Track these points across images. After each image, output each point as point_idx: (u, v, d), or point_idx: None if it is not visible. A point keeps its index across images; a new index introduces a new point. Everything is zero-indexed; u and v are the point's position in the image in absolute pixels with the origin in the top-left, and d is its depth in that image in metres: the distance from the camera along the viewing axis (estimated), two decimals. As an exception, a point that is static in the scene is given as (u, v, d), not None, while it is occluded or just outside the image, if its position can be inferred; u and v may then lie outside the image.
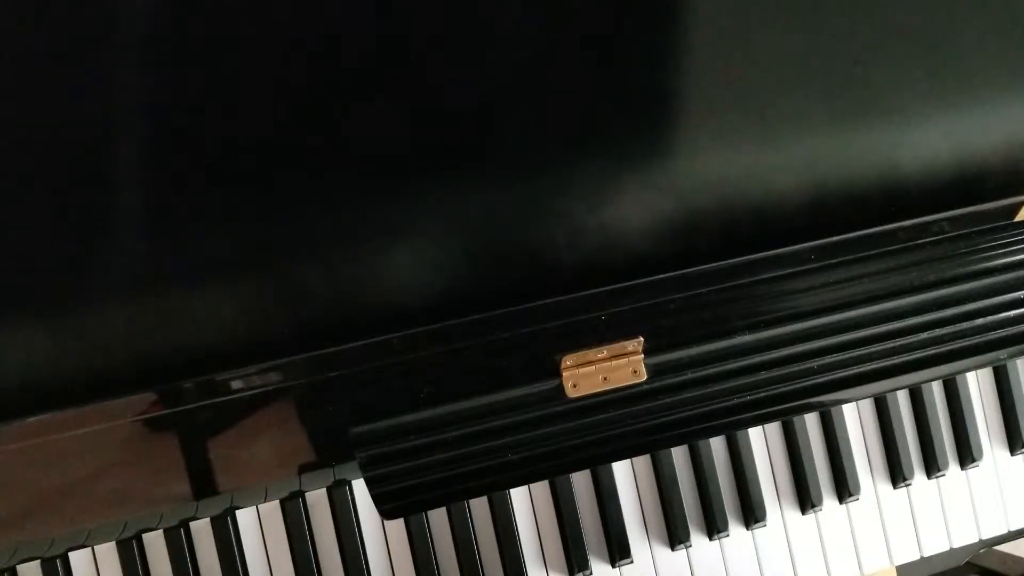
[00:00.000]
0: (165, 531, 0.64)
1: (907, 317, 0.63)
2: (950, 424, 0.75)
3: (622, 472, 0.70)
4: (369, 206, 0.54)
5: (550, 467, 0.60)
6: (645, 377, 0.60)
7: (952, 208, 0.61)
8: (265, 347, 0.55)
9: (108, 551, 0.64)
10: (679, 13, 0.55)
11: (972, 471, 0.75)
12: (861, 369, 0.62)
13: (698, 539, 0.71)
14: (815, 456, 0.72)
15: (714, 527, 0.70)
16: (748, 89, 0.57)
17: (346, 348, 0.55)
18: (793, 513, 0.73)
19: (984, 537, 0.75)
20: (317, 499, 0.67)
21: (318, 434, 0.60)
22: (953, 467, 0.75)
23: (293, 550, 0.66)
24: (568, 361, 0.59)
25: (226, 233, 0.53)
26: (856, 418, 0.74)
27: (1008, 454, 0.76)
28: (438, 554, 0.67)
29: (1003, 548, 0.77)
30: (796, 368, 0.62)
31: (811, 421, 0.73)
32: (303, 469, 0.61)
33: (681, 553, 0.71)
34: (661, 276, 0.58)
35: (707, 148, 0.57)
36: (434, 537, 0.68)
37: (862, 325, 0.62)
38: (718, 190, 0.58)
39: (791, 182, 0.58)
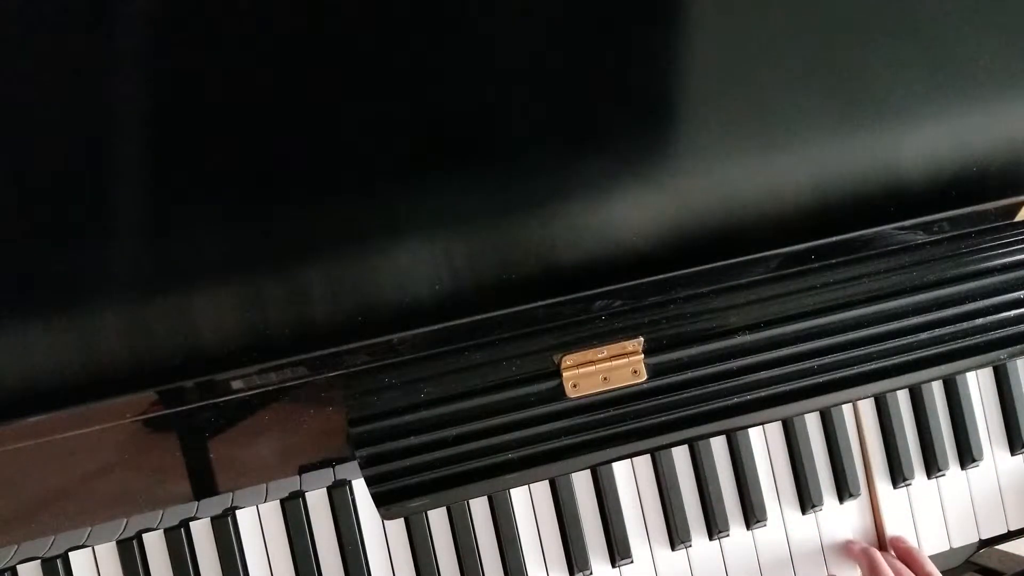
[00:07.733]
0: (165, 531, 0.64)
1: (907, 317, 0.63)
2: (950, 424, 0.75)
3: (622, 472, 0.70)
4: (369, 206, 0.54)
5: (550, 467, 0.60)
6: (645, 377, 0.60)
7: (952, 208, 0.61)
8: (265, 347, 0.55)
9: (108, 551, 0.64)
10: (680, 13, 0.55)
11: (972, 471, 0.75)
12: (861, 369, 0.62)
13: (698, 539, 0.71)
14: (815, 456, 0.72)
15: (714, 527, 0.70)
16: (748, 89, 0.57)
17: (346, 348, 0.55)
18: (793, 513, 0.73)
19: (984, 537, 0.75)
20: (317, 499, 0.67)
21: (318, 434, 0.60)
22: (953, 467, 0.75)
23: (293, 550, 0.66)
24: (568, 361, 0.59)
25: (227, 232, 0.53)
26: (856, 418, 0.74)
27: (1008, 454, 0.76)
28: (438, 554, 0.67)
29: (1002, 548, 0.77)
30: (796, 368, 0.62)
31: (811, 421, 0.73)
32: (303, 469, 0.61)
33: (681, 553, 0.71)
34: (661, 276, 0.57)
35: (707, 147, 0.57)
36: (434, 537, 0.68)
37: (862, 325, 0.62)
38: (718, 189, 0.58)
39: (791, 182, 0.58)
